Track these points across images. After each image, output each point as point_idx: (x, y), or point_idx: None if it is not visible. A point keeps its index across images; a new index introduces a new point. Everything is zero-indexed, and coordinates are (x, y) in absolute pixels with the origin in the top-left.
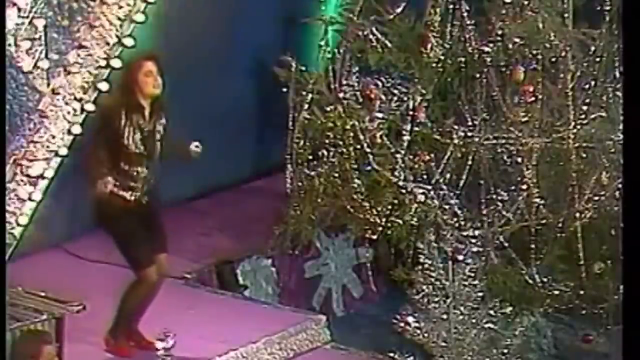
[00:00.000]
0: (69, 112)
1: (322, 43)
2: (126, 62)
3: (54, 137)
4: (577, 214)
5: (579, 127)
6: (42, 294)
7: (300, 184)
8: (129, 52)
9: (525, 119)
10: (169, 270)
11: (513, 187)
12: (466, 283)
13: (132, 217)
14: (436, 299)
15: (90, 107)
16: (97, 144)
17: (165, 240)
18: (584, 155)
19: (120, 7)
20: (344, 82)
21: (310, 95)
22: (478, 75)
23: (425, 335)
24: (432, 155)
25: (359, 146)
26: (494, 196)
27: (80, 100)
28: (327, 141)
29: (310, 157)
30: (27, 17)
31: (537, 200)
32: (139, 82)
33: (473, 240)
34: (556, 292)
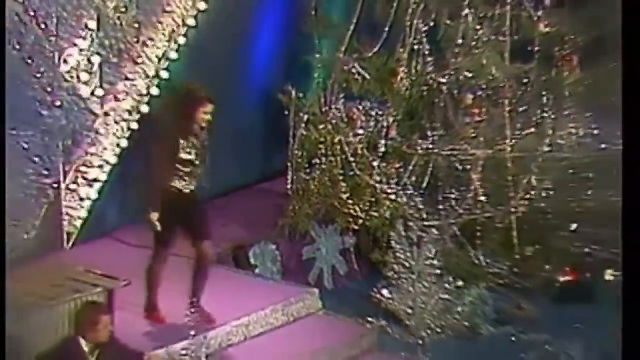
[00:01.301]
0: (117, 130)
1: (316, 76)
2: (190, 98)
3: (106, 149)
4: (513, 209)
5: (514, 141)
6: (98, 272)
7: (298, 186)
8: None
9: (473, 135)
10: (212, 254)
11: (463, 188)
12: (427, 263)
13: (182, 206)
14: (404, 276)
15: (134, 126)
16: (158, 153)
17: (208, 228)
18: (518, 163)
19: (158, 48)
20: (333, 106)
21: (306, 116)
22: (437, 101)
23: (396, 304)
24: (402, 163)
25: (344, 156)
26: (449, 195)
27: (126, 121)
28: (319, 152)
29: (307, 165)
30: (86, 55)
31: (482, 198)
32: (197, 117)
33: (433, 230)
34: (497, 271)
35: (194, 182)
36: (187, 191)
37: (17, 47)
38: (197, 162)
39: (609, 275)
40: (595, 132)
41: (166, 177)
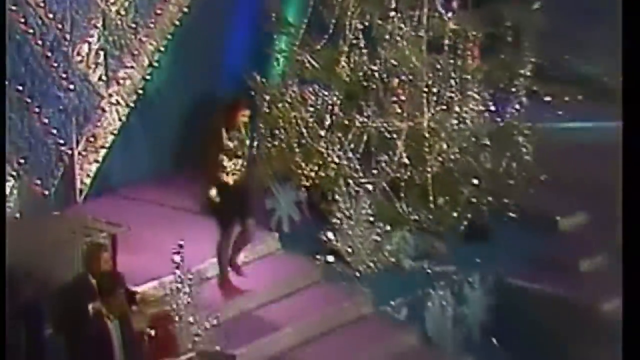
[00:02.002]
0: (119, 108)
1: (276, 65)
2: (234, 104)
3: (110, 123)
4: (429, 170)
5: (430, 115)
6: (103, 220)
7: (262, 152)
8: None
9: (398, 111)
10: (253, 229)
11: (391, 153)
12: (363, 212)
13: (232, 193)
14: (345, 222)
15: (132, 104)
16: (210, 148)
17: (252, 208)
18: (433, 133)
19: (151, 43)
20: (289, 89)
21: (268, 97)
22: (370, 85)
23: (339, 245)
24: (343, 133)
25: (298, 128)
26: (380, 159)
27: (126, 101)
28: (278, 125)
29: (269, 135)
30: (94, 49)
31: (405, 161)
32: (238, 120)
33: (367, 186)
34: (416, 217)
35: (239, 172)
36: (234, 180)
37: (40, 42)
38: (239, 154)
39: (502, 219)
40: (492, 108)
41: (217, 167)
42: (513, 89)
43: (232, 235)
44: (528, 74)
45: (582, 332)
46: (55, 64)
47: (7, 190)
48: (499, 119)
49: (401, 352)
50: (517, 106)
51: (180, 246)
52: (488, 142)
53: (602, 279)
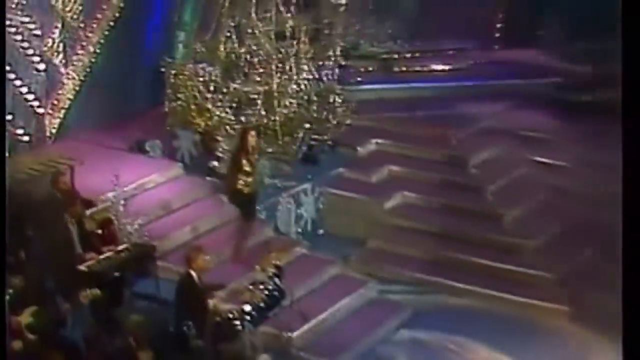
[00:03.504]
0: (74, 81)
1: (180, 49)
2: (241, 130)
3: (68, 92)
4: (277, 118)
5: (277, 82)
6: (66, 156)
7: (171, 109)
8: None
9: (258, 79)
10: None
11: (253, 107)
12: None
13: (243, 198)
14: (225, 154)
15: (83, 79)
16: (230, 166)
17: (255, 212)
18: (279, 93)
19: (95, 37)
20: (187, 66)
21: (174, 71)
22: (241, 63)
23: (222, 169)
24: (222, 95)
25: (194, 91)
26: (246, 112)
27: (79, 76)
28: (181, 90)
29: (174, 97)
30: (57, 41)
31: (263, 112)
32: (249, 141)
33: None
34: (270, 150)
35: (250, 184)
36: (246, 190)
37: (19, 38)
38: (249, 171)
39: (324, 149)
40: (317, 76)
41: (234, 178)
42: (329, 63)
43: (247, 228)
44: (338, 53)
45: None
46: (30, 52)
47: None
48: (321, 84)
49: (263, 241)
50: (332, 75)
51: (117, 174)
52: (315, 99)
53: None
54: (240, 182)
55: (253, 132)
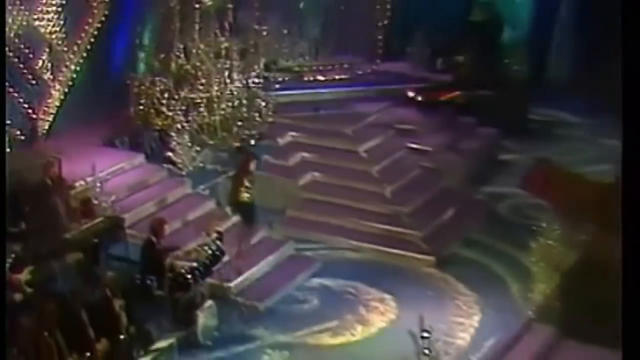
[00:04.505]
0: (59, 93)
1: (141, 66)
2: (245, 157)
3: (55, 100)
4: (217, 117)
5: (216, 89)
6: (54, 152)
7: (137, 111)
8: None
9: (201, 88)
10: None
11: (198, 109)
12: (186, 141)
13: (246, 209)
14: (178, 147)
15: (67, 90)
16: (233, 184)
17: (257, 220)
18: (218, 98)
19: (77, 56)
20: (147, 78)
21: (137, 83)
22: (188, 75)
23: (175, 158)
24: (175, 100)
25: (152, 99)
26: (192, 113)
27: (63, 89)
28: (142, 97)
29: (138, 103)
30: (46, 62)
31: (205, 113)
32: (250, 167)
33: (187, 127)
34: (211, 142)
35: (250, 196)
36: (248, 201)
37: (16, 60)
38: (250, 187)
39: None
40: (245, 85)
41: (238, 193)
42: (255, 75)
43: (249, 232)
44: (262, 67)
45: None
46: (25, 71)
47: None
48: (249, 91)
49: (208, 213)
50: (257, 84)
51: (94, 163)
52: (245, 103)
53: None
54: (244, 195)
55: (254, 160)
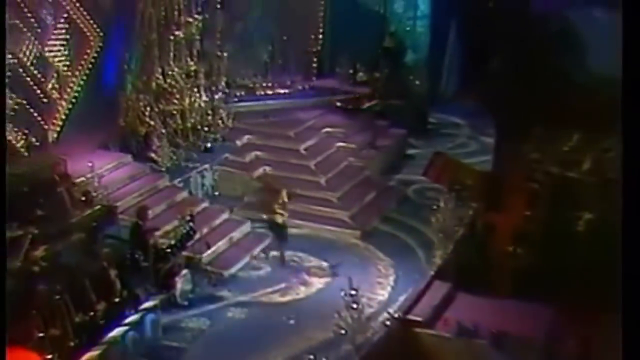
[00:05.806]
0: (64, 106)
1: (127, 86)
2: (272, 187)
3: (61, 114)
4: (188, 125)
5: (187, 102)
6: (61, 154)
7: (127, 112)
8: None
9: (175, 101)
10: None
11: (174, 119)
12: (165, 143)
13: (279, 226)
14: (159, 150)
15: (71, 106)
16: (267, 210)
17: (287, 236)
18: (188, 109)
19: (78, 78)
20: (133, 95)
21: (125, 99)
22: (165, 85)
23: (156, 157)
24: (155, 113)
25: (138, 113)
26: (169, 121)
27: (68, 105)
28: (129, 112)
29: (126, 115)
30: (53, 83)
31: (179, 121)
32: (283, 197)
33: (164, 132)
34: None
35: (284, 219)
36: (280, 222)
37: (32, 82)
38: (282, 212)
39: (216, 142)
40: (210, 99)
41: (273, 215)
42: (218, 90)
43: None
44: (223, 85)
45: None
46: (38, 91)
47: (20, 144)
48: (214, 103)
49: (180, 201)
50: (220, 97)
51: (92, 163)
52: (210, 112)
53: None
54: (278, 217)
55: (285, 191)
